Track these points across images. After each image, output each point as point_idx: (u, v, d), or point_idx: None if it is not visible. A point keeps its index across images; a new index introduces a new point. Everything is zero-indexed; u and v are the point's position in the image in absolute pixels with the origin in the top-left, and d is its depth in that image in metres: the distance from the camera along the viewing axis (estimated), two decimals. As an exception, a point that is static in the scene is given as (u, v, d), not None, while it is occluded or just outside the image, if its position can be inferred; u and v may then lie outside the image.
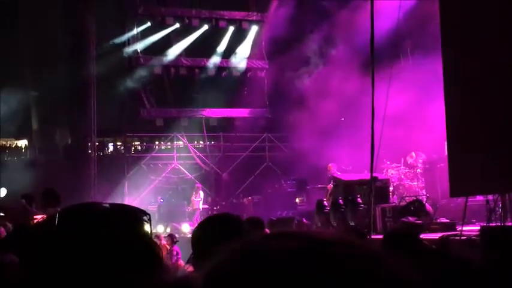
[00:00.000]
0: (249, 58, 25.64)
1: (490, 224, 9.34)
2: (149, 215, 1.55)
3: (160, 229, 19.46)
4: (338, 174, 16.92)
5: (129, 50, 24.42)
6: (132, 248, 1.36)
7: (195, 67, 25.23)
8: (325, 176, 17.76)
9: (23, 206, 9.43)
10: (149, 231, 1.51)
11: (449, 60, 9.25)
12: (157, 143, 26.72)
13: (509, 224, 9.57)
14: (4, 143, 28.22)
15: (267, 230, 6.12)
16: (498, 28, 8.22)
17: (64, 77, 24.20)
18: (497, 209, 9.86)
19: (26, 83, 25.20)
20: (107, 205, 1.48)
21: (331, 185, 16.71)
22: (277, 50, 24.69)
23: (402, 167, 17.73)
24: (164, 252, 14.91)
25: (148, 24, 24.73)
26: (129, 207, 1.54)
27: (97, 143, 25.03)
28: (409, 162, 17.59)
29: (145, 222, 1.50)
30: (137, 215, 1.49)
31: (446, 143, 10.32)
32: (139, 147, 28.08)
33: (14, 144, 28.91)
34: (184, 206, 21.71)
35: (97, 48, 23.74)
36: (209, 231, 2.84)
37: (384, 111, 10.53)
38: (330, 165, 17.57)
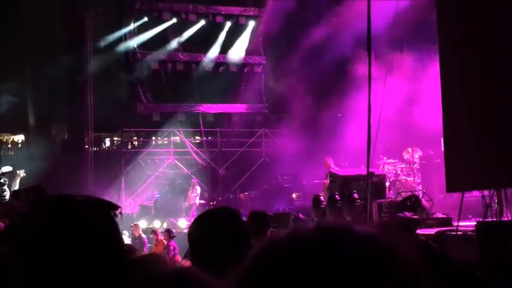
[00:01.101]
0: (246, 53, 25.62)
1: (486, 220, 9.37)
2: (120, 208, 1.54)
3: (157, 224, 19.48)
4: (335, 170, 16.93)
5: (126, 45, 24.39)
6: (91, 243, 1.36)
7: (192, 62, 25.22)
8: (322, 171, 17.76)
9: (15, 202, 9.39)
10: (116, 226, 1.49)
11: (446, 57, 9.26)
12: (154, 138, 26.69)
13: (505, 219, 9.60)
14: (1, 138, 28.19)
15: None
16: (496, 26, 8.24)
17: (61, 72, 24.14)
18: (493, 204, 9.88)
19: (23, 78, 25.15)
20: (80, 198, 1.48)
21: (328, 180, 16.72)
22: (275, 45, 24.69)
23: (399, 162, 17.77)
24: (161, 248, 14.93)
25: (145, 19, 24.69)
26: (98, 200, 1.53)
27: (93, 138, 25.01)
28: (405, 158, 17.63)
29: (113, 217, 1.49)
30: (104, 210, 1.48)
31: (442, 138, 10.34)
32: (136, 143, 28.05)
33: (11, 139, 28.89)
34: (181, 201, 21.71)
35: (94, 43, 23.70)
36: (208, 226, 2.83)
37: (381, 107, 10.55)
38: (326, 158, 17.56)
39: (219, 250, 2.67)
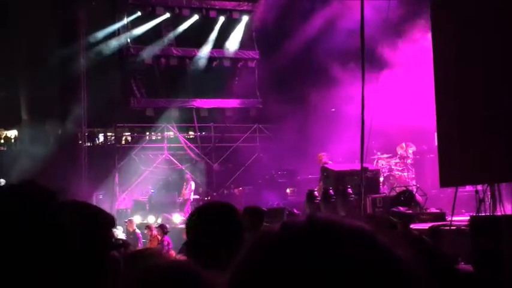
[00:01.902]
0: (240, 48, 25.59)
1: (480, 214, 9.40)
2: (55, 194, 1.48)
3: (151, 220, 19.47)
4: (329, 164, 16.95)
5: (120, 40, 24.31)
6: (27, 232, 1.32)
7: (186, 57, 25.16)
8: (316, 166, 17.76)
9: None
10: (57, 215, 1.45)
11: (440, 51, 9.28)
12: (147, 133, 26.65)
13: (498, 214, 9.63)
14: (-7, 133, 28.12)
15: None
16: (491, 21, 8.25)
17: (54, 67, 24.06)
18: (486, 199, 9.91)
19: (16, 73, 25.06)
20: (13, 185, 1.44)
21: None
22: (268, 40, 24.67)
23: (393, 157, 17.81)
24: (155, 243, 14.94)
25: (139, 14, 24.62)
26: (35, 186, 1.49)
27: (87, 134, 24.94)
28: (399, 153, 17.66)
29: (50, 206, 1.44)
30: (41, 197, 1.44)
31: (436, 133, 10.36)
32: (129, 138, 27.99)
33: (4, 135, 28.81)
34: (175, 197, 21.70)
35: (87, 38, 23.61)
36: (206, 219, 2.84)
37: (375, 102, 10.56)
38: (321, 154, 17.55)
39: (214, 244, 2.68)
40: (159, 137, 25.84)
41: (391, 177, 17.13)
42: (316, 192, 16.13)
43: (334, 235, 0.85)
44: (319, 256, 0.82)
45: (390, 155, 17.92)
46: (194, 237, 2.81)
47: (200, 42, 25.18)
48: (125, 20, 24.41)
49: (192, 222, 2.89)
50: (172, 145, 24.96)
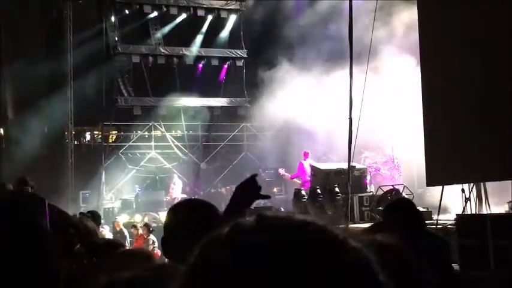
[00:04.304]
0: (228, 47, 25.59)
1: (465, 213, 9.46)
2: None
3: (138, 218, 19.43)
4: (316, 163, 16.99)
5: (107, 38, 24.22)
6: None
7: (173, 56, 25.11)
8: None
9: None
10: None
11: (427, 50, 9.32)
12: (134, 132, 26.57)
13: (484, 212, 9.70)
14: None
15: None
16: (477, 19, 8.29)
17: (41, 65, 23.92)
18: (472, 198, 9.98)
19: (1, 71, 24.89)
20: None
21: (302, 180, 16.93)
22: (256, 39, 24.67)
23: (380, 156, 17.87)
24: (141, 242, 14.91)
25: (126, 12, 24.53)
26: None
27: (74, 132, 24.82)
28: (386, 152, 17.72)
29: None
30: None
31: (423, 133, 10.41)
32: (116, 137, 27.89)
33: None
34: (162, 195, 21.66)
35: (74, 36, 23.49)
36: (178, 217, 2.82)
37: (362, 101, 10.59)
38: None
39: (190, 242, 2.65)
40: (146, 136, 25.77)
41: (378, 176, 17.20)
42: (303, 191, 16.15)
43: (280, 231, 0.83)
44: (264, 253, 0.80)
45: (377, 154, 17.99)
46: (170, 235, 2.79)
47: (188, 41, 25.15)
48: (112, 19, 24.33)
49: (167, 220, 2.87)
50: (159, 144, 24.91)
